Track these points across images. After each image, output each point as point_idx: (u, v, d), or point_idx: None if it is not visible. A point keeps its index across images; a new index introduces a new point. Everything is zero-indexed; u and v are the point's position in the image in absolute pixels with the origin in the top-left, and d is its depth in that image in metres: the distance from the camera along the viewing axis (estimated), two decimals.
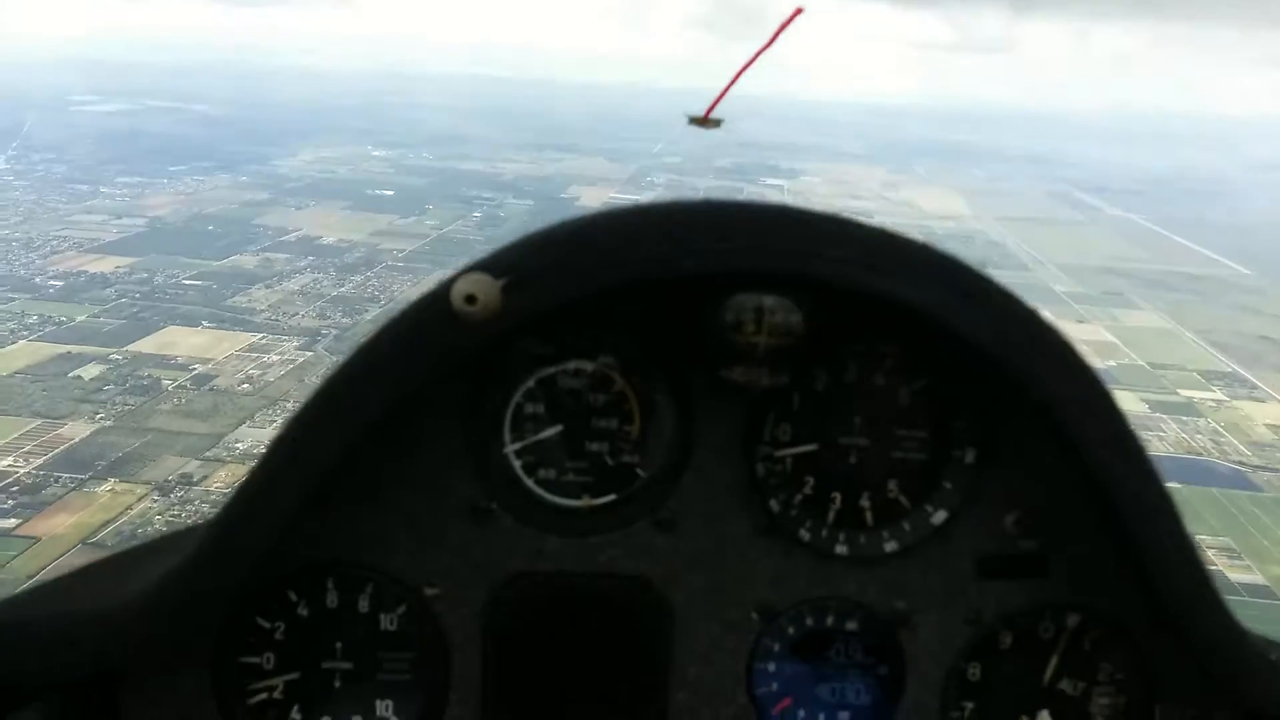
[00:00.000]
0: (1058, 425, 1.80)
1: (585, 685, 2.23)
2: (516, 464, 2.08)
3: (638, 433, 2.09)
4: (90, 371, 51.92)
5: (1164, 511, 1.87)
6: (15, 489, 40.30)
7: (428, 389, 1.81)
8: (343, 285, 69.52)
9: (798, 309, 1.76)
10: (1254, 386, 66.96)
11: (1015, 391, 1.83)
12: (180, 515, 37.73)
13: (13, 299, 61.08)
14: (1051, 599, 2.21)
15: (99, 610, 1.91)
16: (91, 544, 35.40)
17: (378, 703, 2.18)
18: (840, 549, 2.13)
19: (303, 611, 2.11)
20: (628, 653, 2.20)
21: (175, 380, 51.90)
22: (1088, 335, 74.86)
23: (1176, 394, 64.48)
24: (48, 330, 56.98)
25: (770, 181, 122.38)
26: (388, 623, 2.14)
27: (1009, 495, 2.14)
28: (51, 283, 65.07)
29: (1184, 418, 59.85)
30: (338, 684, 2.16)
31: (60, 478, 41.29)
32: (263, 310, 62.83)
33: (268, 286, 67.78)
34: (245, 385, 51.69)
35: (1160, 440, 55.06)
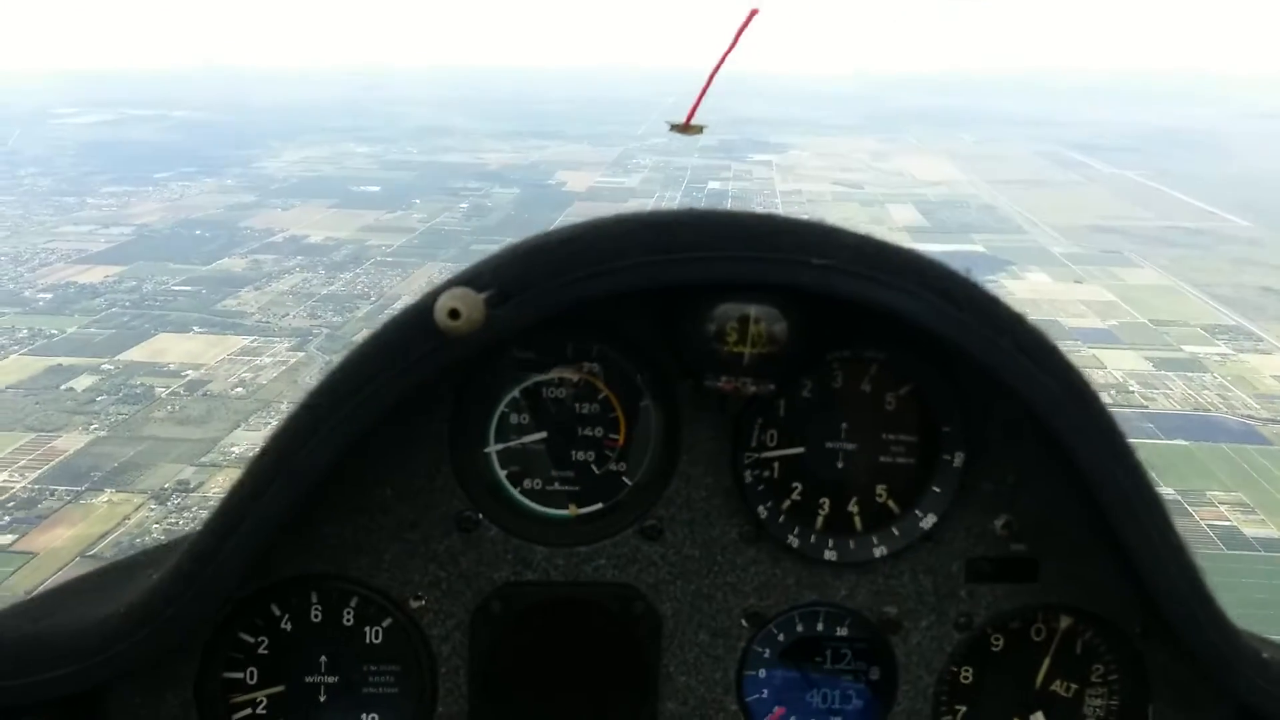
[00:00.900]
0: (1046, 428, 1.81)
1: (574, 696, 2.21)
2: (501, 473, 2.07)
3: (623, 441, 2.08)
4: (83, 383, 51.50)
5: (1154, 511, 1.87)
6: (11, 504, 39.86)
7: (412, 401, 1.83)
8: (332, 283, 69.14)
9: (783, 318, 1.78)
10: (1259, 339, 66.64)
11: (1004, 395, 1.84)
12: (178, 522, 37.36)
13: (2, 314, 60.57)
14: (1043, 601, 2.20)
15: (83, 626, 1.89)
16: (90, 556, 34.85)
17: (363, 716, 2.16)
18: (829, 554, 2.11)
19: (286, 626, 2.09)
20: (616, 662, 2.18)
21: (168, 387, 51.52)
22: (1088, 295, 74.57)
23: (1181, 350, 64.15)
24: (38, 343, 56.52)
25: (758, 157, 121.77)
26: (372, 636, 2.12)
27: (998, 498, 2.13)
28: (41, 295, 64.70)
29: (1190, 374, 59.53)
30: (322, 698, 2.14)
31: (56, 491, 40.91)
32: (253, 313, 62.58)
33: (257, 288, 67.50)
34: (239, 389, 51.35)
35: (1167, 398, 54.81)
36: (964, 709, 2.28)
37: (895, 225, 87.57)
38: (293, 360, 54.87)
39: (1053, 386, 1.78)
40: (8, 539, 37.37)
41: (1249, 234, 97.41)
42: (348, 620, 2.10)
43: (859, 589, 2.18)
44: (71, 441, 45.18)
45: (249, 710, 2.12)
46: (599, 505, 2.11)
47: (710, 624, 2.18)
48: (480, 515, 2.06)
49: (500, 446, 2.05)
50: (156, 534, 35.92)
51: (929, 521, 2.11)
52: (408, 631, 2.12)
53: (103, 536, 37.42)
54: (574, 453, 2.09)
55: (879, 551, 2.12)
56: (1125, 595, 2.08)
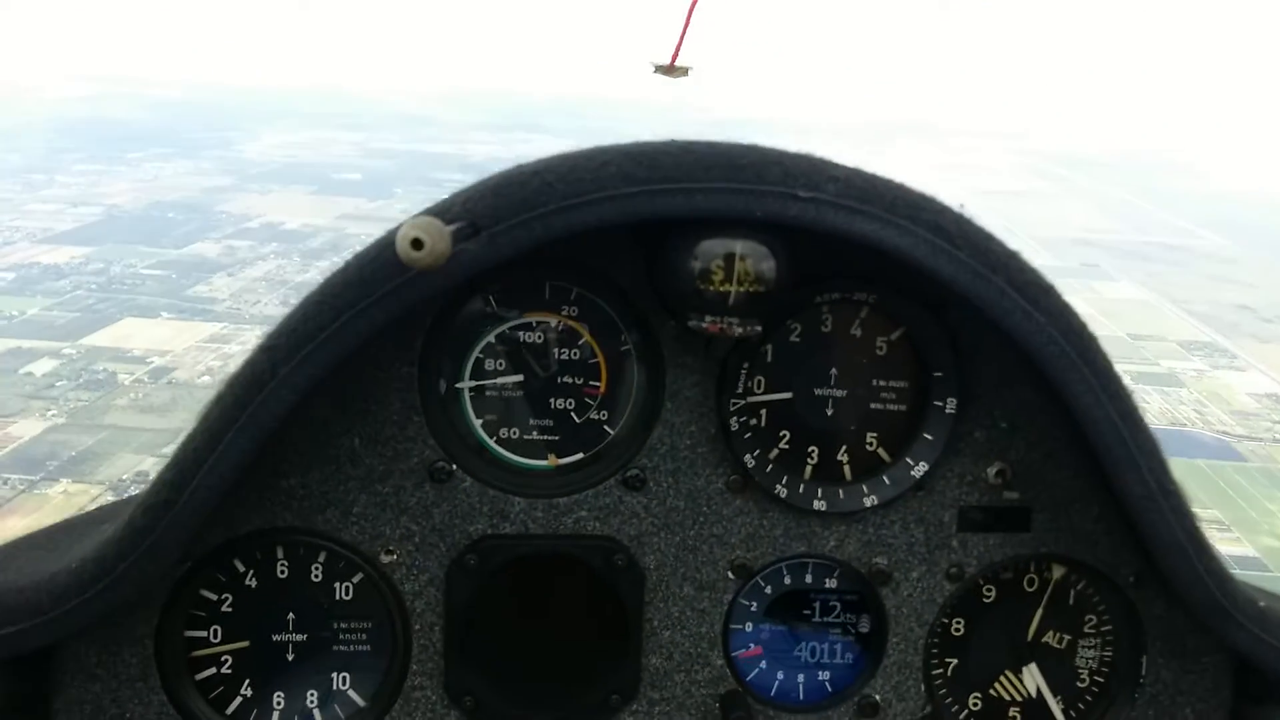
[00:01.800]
0: (1041, 370, 1.77)
1: (553, 652, 2.14)
2: (475, 421, 1.99)
3: (604, 388, 2.02)
4: (42, 367, 50.00)
5: (1150, 457, 1.83)
6: None
7: (381, 344, 1.81)
8: (307, 271, 67.89)
9: (770, 255, 1.70)
10: (1234, 356, 66.87)
11: (997, 338, 1.81)
12: None
13: None
14: (1035, 551, 2.16)
15: (33, 582, 1.83)
16: None
17: (334, 675, 2.11)
18: (818, 504, 2.06)
19: (250, 582, 2.03)
20: (598, 617, 2.12)
21: (132, 374, 50.19)
22: None
23: (1158, 365, 64.19)
24: None
25: None
26: (342, 592, 2.06)
27: (991, 446, 2.09)
28: (2, 275, 63.00)
29: (1166, 389, 59.54)
30: (290, 656, 2.07)
31: (9, 479, 39.64)
32: (224, 299, 61.34)
33: (230, 275, 66.23)
34: (205, 377, 50.15)
35: (1144, 413, 54.62)
36: (955, 661, 2.23)
37: None
38: None
39: (1048, 326, 1.72)
40: None
41: (1227, 252, 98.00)
42: (316, 576, 2.03)
43: (848, 540, 2.12)
44: (28, 428, 43.78)
45: (213, 669, 2.04)
46: (579, 455, 2.05)
47: (695, 577, 2.10)
48: (454, 466, 1.98)
49: (474, 384, 1.96)
50: None
51: (920, 470, 2.05)
52: (379, 587, 2.04)
53: None
54: (553, 400, 2.01)
55: (869, 501, 2.06)
56: (1119, 544, 2.08)
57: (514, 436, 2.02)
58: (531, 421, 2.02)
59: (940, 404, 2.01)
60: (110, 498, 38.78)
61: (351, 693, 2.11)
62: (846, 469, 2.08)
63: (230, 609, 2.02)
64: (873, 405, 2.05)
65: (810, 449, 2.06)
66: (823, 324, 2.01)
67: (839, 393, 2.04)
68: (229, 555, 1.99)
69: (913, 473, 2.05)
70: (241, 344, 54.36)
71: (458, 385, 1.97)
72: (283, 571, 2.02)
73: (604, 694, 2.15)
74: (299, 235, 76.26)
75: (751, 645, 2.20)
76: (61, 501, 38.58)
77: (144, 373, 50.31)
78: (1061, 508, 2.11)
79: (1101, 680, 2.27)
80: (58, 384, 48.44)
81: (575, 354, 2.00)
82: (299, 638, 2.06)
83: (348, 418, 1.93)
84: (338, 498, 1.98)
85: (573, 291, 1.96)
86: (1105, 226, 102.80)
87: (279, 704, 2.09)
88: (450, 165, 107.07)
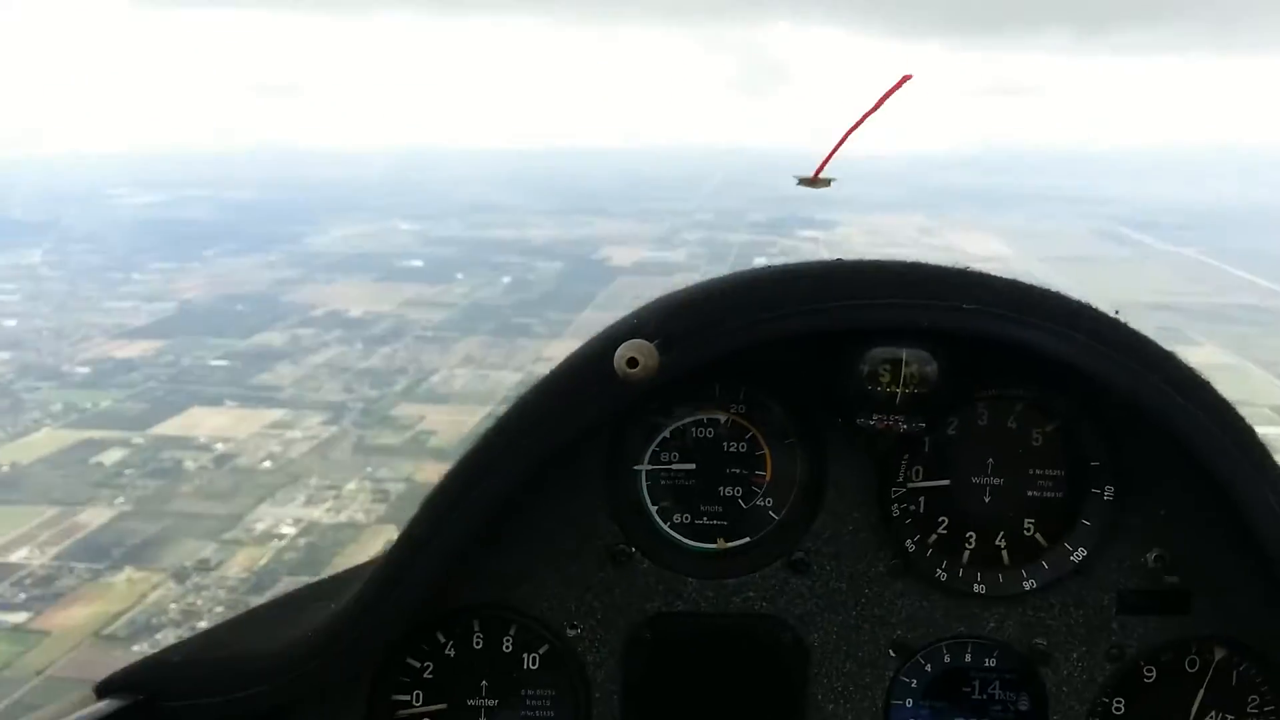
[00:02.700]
0: (1199, 462, 1.84)
1: None
2: (652, 506, 2.15)
3: (770, 477, 2.15)
4: (111, 456, 50.78)
5: None
6: (28, 581, 38.71)
7: (576, 439, 1.96)
8: (369, 357, 68.57)
9: (934, 359, 1.85)
10: None
11: (1154, 429, 1.89)
12: (196, 603, 36.16)
13: (38, 388, 60.31)
14: (1196, 633, 2.18)
15: (272, 649, 2.04)
16: (105, 636, 33.73)
17: None
18: (978, 588, 2.13)
19: (450, 652, 2.21)
20: (765, 692, 2.23)
21: (197, 461, 50.77)
22: None
23: None
24: (72, 417, 56.00)
25: (805, 234, 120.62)
26: (530, 662, 2.23)
27: (1149, 532, 2.12)
28: (78, 369, 64.52)
29: None
30: None
31: (75, 568, 39.83)
32: (287, 386, 62.00)
33: (294, 362, 67.08)
34: (267, 463, 50.40)
35: None
36: None
37: None
38: (325, 434, 54.03)
39: (1204, 420, 1.80)
40: (22, 617, 36.04)
41: None
42: (507, 647, 2.21)
43: (1008, 621, 2.17)
44: (95, 516, 44.15)
45: None
46: (746, 539, 2.17)
47: (857, 654, 2.20)
48: (633, 549, 2.15)
49: (650, 467, 2.12)
50: (173, 613, 34.95)
51: (1079, 555, 2.10)
52: (564, 659, 2.20)
53: (118, 615, 36.26)
54: (721, 488, 2.15)
55: (1028, 584, 2.12)
56: None
57: (686, 521, 2.15)
58: (702, 507, 2.14)
59: (1098, 491, 2.06)
60: (173, 585, 38.65)
61: None
62: (1005, 554, 2.12)
63: (431, 675, 2.19)
64: (1030, 493, 2.10)
65: (968, 534, 2.12)
66: (980, 418, 2.08)
67: (996, 481, 2.10)
68: (434, 628, 2.18)
69: (1071, 558, 2.09)
70: (303, 429, 54.69)
71: (636, 468, 2.11)
72: (478, 643, 2.19)
73: None
74: (362, 322, 77.20)
75: None
76: (125, 589, 38.57)
77: (208, 459, 50.72)
78: (1222, 591, 2.12)
79: None
80: (126, 472, 49.08)
81: (743, 446, 2.12)
82: (490, 703, 2.21)
83: (543, 504, 2.09)
84: (531, 576, 2.15)
85: (741, 390, 2.10)
86: (1182, 289, 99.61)
87: None
88: (511, 249, 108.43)
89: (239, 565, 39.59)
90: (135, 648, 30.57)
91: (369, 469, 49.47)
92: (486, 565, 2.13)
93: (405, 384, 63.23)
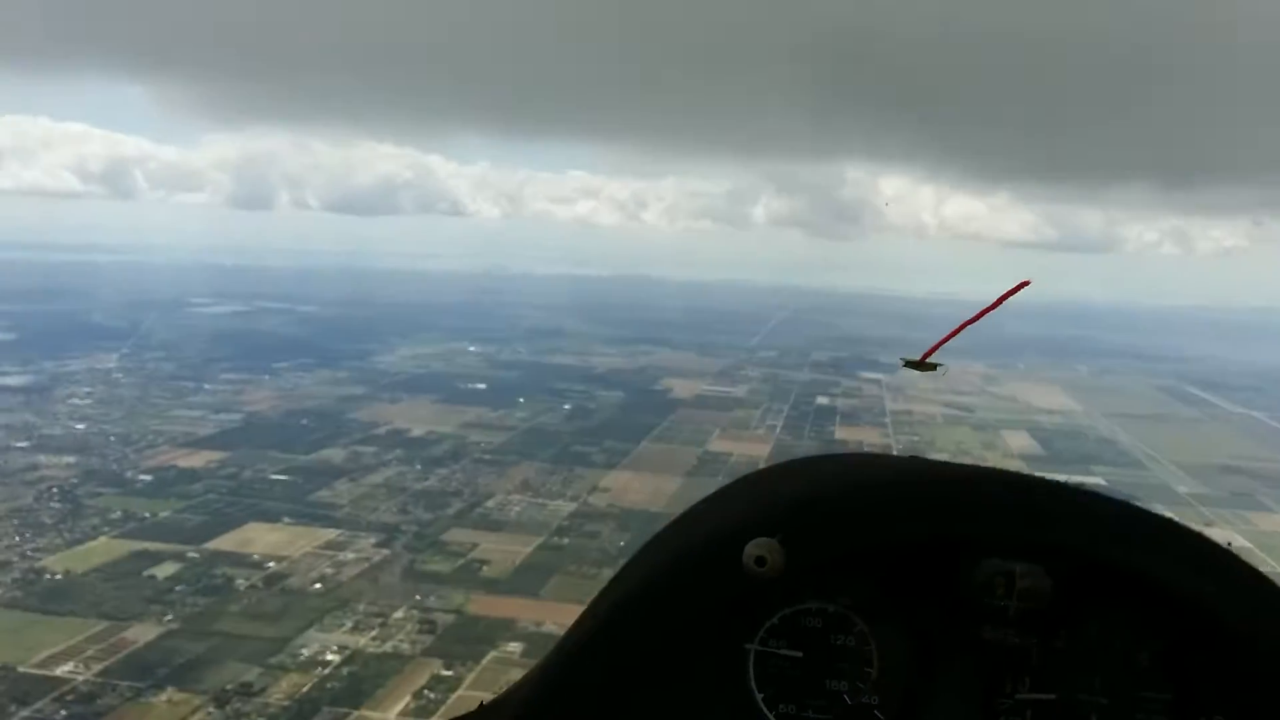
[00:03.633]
0: None
1: None
2: (758, 695, 2.14)
3: (877, 674, 2.13)
4: (165, 570, 51.12)
5: None
6: (70, 698, 38.67)
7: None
8: (427, 479, 68.73)
9: (1048, 575, 1.85)
10: None
11: (1267, 662, 1.91)
12: None
13: (100, 493, 61.26)
14: None
15: None
16: None
17: None
18: None
19: None
20: None
21: (248, 580, 50.78)
22: (1219, 540, 68.98)
23: None
24: (129, 526, 56.63)
25: (868, 375, 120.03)
26: None
27: None
28: (142, 476, 65.52)
29: None
30: None
31: (118, 686, 39.61)
32: (344, 505, 62.25)
33: (352, 480, 67.48)
34: (318, 585, 50.24)
35: None
36: None
37: (1011, 452, 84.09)
38: (376, 557, 53.93)
39: None
40: None
41: None
42: None
43: None
44: (143, 632, 44.21)
45: None
46: None
47: None
48: None
49: (759, 647, 2.12)
50: None
51: None
52: None
53: None
54: (827, 681, 2.14)
55: None
56: None
57: (791, 712, 2.13)
58: (807, 699, 2.13)
59: (1206, 718, 2.02)
60: (213, 709, 38.21)
61: None
62: None
63: None
64: (1137, 715, 2.06)
65: None
66: (1088, 633, 2.06)
67: (1103, 700, 2.06)
68: None
69: None
70: (356, 551, 54.60)
71: (746, 646, 2.11)
72: None
73: None
74: (423, 443, 77.76)
75: None
76: (164, 711, 38.14)
77: (259, 578, 50.81)
78: None
79: None
80: (177, 588, 49.19)
81: (850, 640, 2.11)
82: None
83: (654, 691, 2.08)
84: None
85: (850, 583, 2.10)
86: (1255, 453, 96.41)
87: None
88: (573, 376, 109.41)
89: (281, 691, 39.23)
90: None
91: (417, 596, 49.07)
92: None
93: (459, 507, 63.10)
